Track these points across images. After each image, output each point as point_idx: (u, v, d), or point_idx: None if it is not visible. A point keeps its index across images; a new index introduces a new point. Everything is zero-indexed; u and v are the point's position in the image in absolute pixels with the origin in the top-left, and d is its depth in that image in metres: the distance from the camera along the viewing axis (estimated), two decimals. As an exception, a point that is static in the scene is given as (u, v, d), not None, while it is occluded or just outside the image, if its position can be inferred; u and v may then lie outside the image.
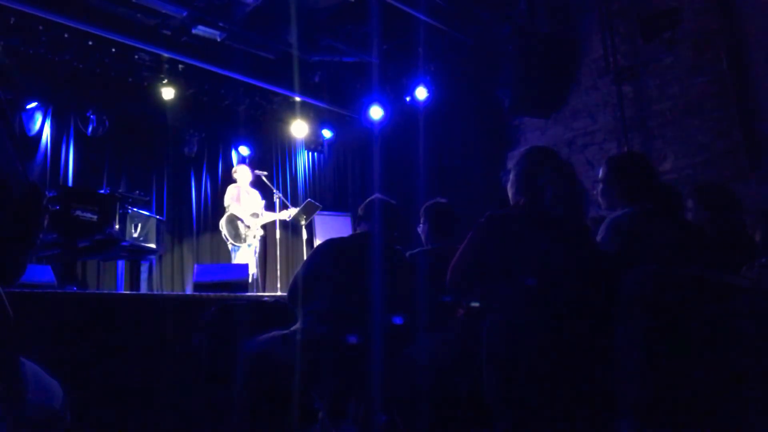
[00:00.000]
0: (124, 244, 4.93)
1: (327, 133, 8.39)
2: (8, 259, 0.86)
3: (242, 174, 6.09)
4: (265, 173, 6.17)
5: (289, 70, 6.67)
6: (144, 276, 6.35)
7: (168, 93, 6.44)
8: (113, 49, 5.89)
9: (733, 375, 1.52)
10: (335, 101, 7.68)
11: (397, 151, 7.58)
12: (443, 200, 2.85)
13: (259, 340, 2.33)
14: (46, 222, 0.91)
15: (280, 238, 6.25)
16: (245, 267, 4.65)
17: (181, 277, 7.04)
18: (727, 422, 1.50)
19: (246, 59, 6.59)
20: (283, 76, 6.84)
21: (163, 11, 5.73)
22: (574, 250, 1.85)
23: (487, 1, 6.00)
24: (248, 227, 5.80)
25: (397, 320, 2.33)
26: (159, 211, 6.68)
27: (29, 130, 6.10)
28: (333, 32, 6.40)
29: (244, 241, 5.75)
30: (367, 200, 2.69)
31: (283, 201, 6.16)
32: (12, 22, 5.22)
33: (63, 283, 4.15)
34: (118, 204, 4.76)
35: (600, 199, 2.25)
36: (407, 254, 2.64)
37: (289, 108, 7.67)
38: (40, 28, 5.39)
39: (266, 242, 7.07)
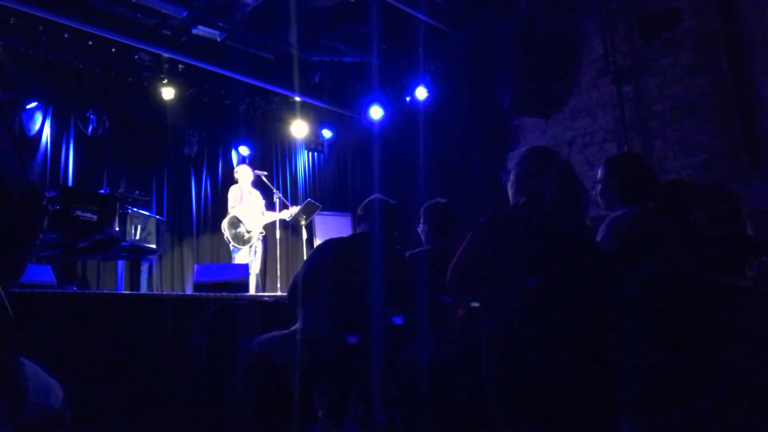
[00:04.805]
0: (124, 244, 4.93)
1: (327, 133, 8.39)
2: (8, 259, 0.86)
3: (243, 174, 6.09)
4: (265, 173, 6.17)
5: (289, 70, 6.67)
6: (144, 276, 6.34)
7: (168, 93, 6.44)
8: (113, 49, 5.89)
9: (733, 375, 1.52)
10: (335, 101, 7.68)
11: (397, 151, 7.59)
12: (443, 200, 2.85)
13: (259, 340, 2.33)
14: (46, 222, 0.91)
15: (280, 238, 6.24)
16: (245, 267, 4.65)
17: (181, 277, 7.04)
18: (727, 422, 1.50)
19: (246, 59, 6.60)
20: (283, 76, 6.84)
21: (163, 11, 5.73)
22: (574, 250, 1.85)
23: (487, 1, 6.00)
24: (250, 230, 5.79)
25: (397, 320, 2.33)
26: (159, 211, 6.68)
27: (29, 130, 6.09)
28: (333, 32, 6.41)
29: (246, 242, 5.75)
30: (367, 200, 2.68)
31: (283, 201, 6.16)
32: (12, 22, 5.21)
33: (63, 283, 4.15)
34: (118, 204, 4.76)
35: (599, 200, 2.25)
36: (407, 254, 2.63)
37: (289, 108, 7.67)
38: (40, 28, 5.39)
39: (266, 242, 7.06)
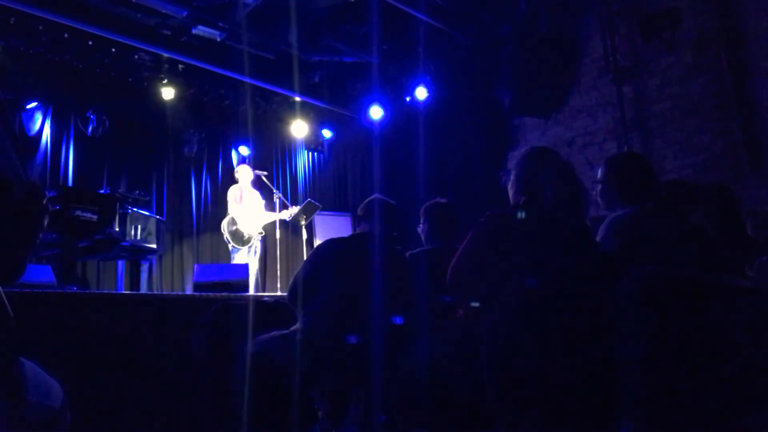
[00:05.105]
0: (124, 244, 4.93)
1: (327, 133, 8.39)
2: (8, 258, 0.86)
3: (244, 174, 6.09)
4: (265, 173, 6.17)
5: (289, 70, 6.67)
6: (144, 276, 6.34)
7: (168, 93, 6.44)
8: (113, 49, 5.89)
9: (733, 375, 1.52)
10: (335, 101, 7.68)
11: (397, 151, 7.59)
12: (443, 200, 2.84)
13: (259, 340, 2.33)
14: (46, 222, 0.91)
15: (280, 238, 6.24)
16: (245, 267, 4.64)
17: (181, 277, 7.04)
18: (727, 423, 1.50)
19: (246, 59, 6.59)
20: (283, 76, 6.84)
21: (163, 11, 5.73)
22: (574, 250, 1.85)
23: (487, 1, 6.00)
24: (249, 231, 5.79)
25: (397, 320, 2.33)
26: (159, 211, 6.68)
27: (29, 130, 6.10)
28: (333, 32, 6.40)
29: (246, 242, 5.75)
30: (367, 200, 2.68)
31: (283, 201, 6.16)
32: (12, 22, 5.21)
33: (63, 283, 4.14)
34: (118, 204, 4.76)
35: (599, 200, 2.25)
36: (407, 254, 2.63)
37: (289, 108, 7.67)
38: (40, 28, 5.39)
39: (266, 242, 7.07)
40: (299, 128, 7.82)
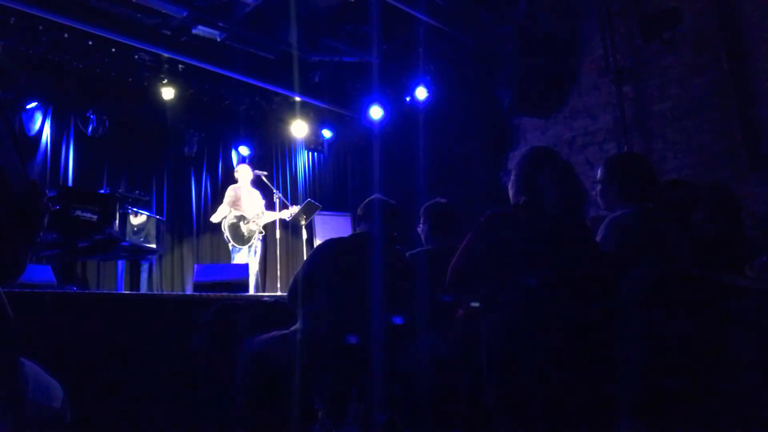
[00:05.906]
0: (124, 244, 4.93)
1: (327, 133, 8.39)
2: (8, 257, 0.86)
3: (243, 174, 6.10)
4: (265, 173, 6.17)
5: (289, 70, 6.67)
6: (144, 276, 6.35)
7: (168, 93, 6.44)
8: (113, 49, 5.89)
9: (732, 375, 1.52)
10: (335, 101, 7.68)
11: (397, 151, 7.59)
12: (443, 200, 2.85)
13: (259, 340, 2.33)
14: (46, 221, 0.91)
15: (280, 238, 6.25)
16: (245, 267, 4.65)
17: (181, 277, 7.04)
18: (726, 422, 1.50)
19: (246, 59, 6.60)
20: (283, 76, 6.84)
21: (163, 11, 5.73)
22: (574, 250, 1.85)
23: (487, 1, 6.00)
24: (249, 228, 5.79)
25: (397, 320, 2.33)
26: (159, 211, 6.68)
27: (29, 130, 6.10)
28: (333, 32, 6.41)
29: (246, 242, 5.75)
30: (367, 200, 2.69)
31: (283, 201, 6.16)
32: (12, 22, 5.22)
33: (63, 283, 4.15)
34: (118, 204, 4.76)
35: (599, 200, 2.25)
36: (407, 254, 2.63)
37: (289, 108, 7.67)
38: (40, 28, 5.40)
39: (266, 242, 7.07)
40: (299, 128, 7.82)
